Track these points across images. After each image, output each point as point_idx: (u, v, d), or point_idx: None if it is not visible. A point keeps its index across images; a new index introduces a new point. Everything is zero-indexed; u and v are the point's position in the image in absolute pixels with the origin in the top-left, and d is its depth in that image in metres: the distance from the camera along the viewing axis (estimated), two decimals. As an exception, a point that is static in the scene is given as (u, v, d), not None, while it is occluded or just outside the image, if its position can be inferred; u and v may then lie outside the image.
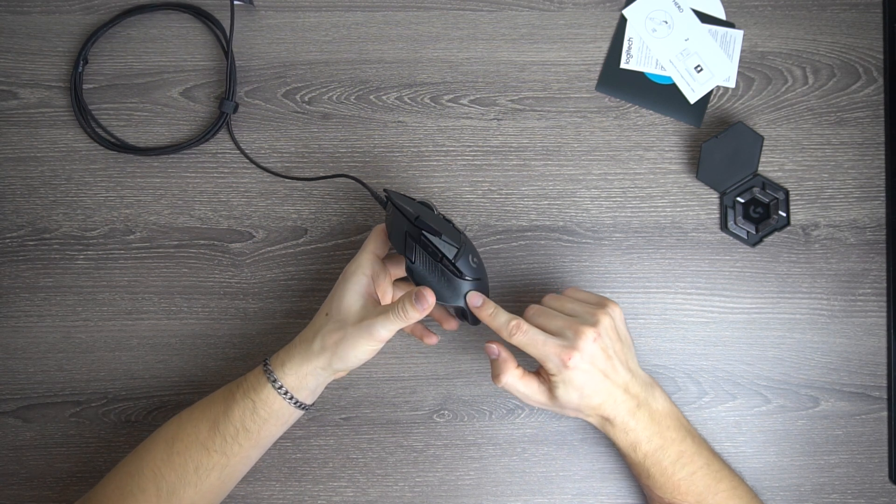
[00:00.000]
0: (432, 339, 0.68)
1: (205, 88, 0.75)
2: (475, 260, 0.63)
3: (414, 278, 0.63)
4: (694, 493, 0.64)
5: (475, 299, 0.63)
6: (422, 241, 0.61)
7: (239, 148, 0.74)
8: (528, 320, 0.63)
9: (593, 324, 0.62)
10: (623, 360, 0.63)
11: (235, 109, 0.74)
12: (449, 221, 0.65)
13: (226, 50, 0.74)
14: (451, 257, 0.62)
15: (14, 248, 0.73)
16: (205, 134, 0.73)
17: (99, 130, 0.74)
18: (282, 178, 0.74)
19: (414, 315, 0.60)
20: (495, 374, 0.64)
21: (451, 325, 0.68)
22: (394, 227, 0.63)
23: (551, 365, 0.61)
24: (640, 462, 0.65)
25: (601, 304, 0.64)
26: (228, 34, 0.73)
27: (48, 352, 0.73)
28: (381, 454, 0.73)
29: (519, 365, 0.64)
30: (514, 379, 0.63)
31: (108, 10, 0.75)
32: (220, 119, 0.73)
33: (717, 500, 0.64)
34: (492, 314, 0.62)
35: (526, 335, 0.61)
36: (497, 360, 0.64)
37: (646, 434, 0.64)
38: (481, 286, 0.64)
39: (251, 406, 0.63)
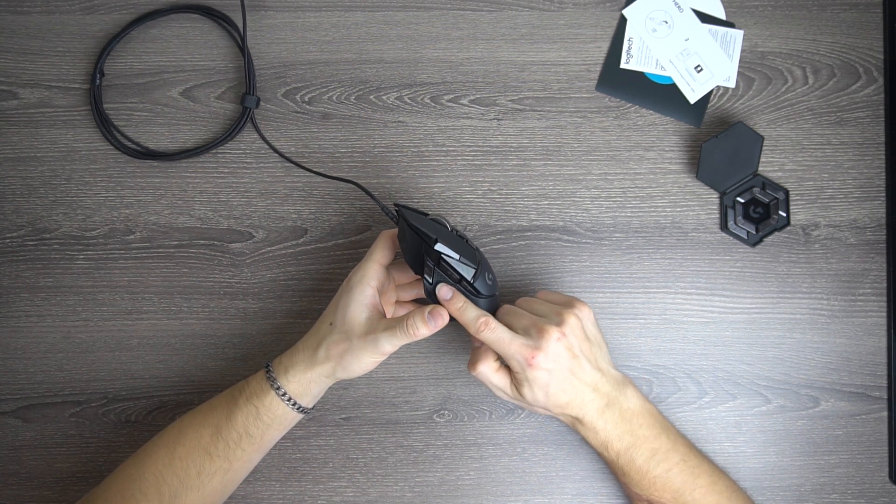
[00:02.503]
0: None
1: (205, 88, 0.75)
2: (490, 277, 0.64)
3: (432, 299, 0.63)
4: (671, 489, 0.64)
5: (445, 292, 0.63)
6: (441, 264, 0.62)
7: (267, 142, 0.73)
8: (497, 319, 0.64)
9: (558, 323, 0.62)
10: (591, 359, 0.63)
11: (258, 104, 0.74)
12: (461, 237, 0.64)
13: (241, 46, 0.73)
14: (469, 279, 0.62)
15: (14, 248, 0.73)
16: (230, 132, 0.73)
17: (122, 139, 0.74)
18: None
19: (424, 332, 0.61)
20: (472, 362, 0.65)
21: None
22: (409, 247, 0.63)
23: (515, 363, 0.62)
24: (614, 461, 0.65)
25: (569, 304, 0.64)
26: (242, 30, 0.73)
27: (48, 352, 0.73)
28: (381, 454, 0.73)
29: (498, 359, 0.64)
30: (490, 370, 0.64)
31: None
32: (244, 114, 0.73)
33: (696, 495, 0.64)
34: (461, 308, 0.63)
35: (493, 332, 0.62)
36: (479, 349, 0.65)
37: (616, 433, 0.64)
38: (495, 301, 0.65)
39: (254, 412, 0.63)
